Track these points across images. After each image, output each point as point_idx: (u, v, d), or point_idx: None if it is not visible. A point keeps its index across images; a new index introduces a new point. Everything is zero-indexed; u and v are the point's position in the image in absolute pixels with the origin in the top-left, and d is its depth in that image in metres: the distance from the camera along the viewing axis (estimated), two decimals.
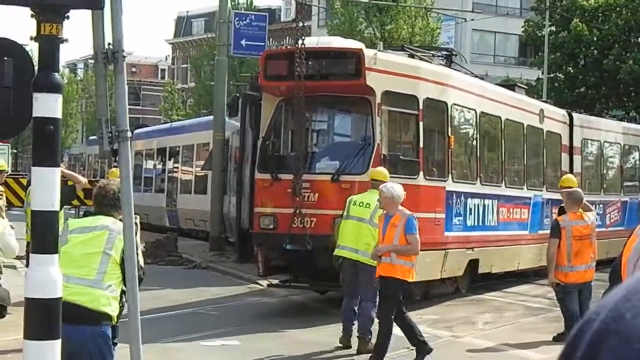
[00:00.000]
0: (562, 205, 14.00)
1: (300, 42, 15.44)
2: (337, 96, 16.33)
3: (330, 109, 17.31)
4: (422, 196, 16.26)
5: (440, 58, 20.06)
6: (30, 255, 5.29)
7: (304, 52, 15.33)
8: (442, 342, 13.66)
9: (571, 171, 23.63)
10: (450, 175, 17.27)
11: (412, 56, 17.82)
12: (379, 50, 16.65)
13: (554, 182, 22.80)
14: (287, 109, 16.24)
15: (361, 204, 12.70)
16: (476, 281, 19.41)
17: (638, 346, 1.03)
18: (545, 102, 26.39)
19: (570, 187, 14.41)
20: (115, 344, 6.57)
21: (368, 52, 15.82)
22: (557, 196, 22.35)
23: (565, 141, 23.66)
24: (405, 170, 15.95)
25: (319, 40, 17.09)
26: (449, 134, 17.40)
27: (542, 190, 21.98)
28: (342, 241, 12.74)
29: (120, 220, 6.73)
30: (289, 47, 16.98)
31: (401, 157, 15.99)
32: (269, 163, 16.13)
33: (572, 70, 42.79)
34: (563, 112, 24.51)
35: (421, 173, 16.23)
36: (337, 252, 12.82)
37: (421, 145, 16.38)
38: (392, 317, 11.35)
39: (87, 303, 6.45)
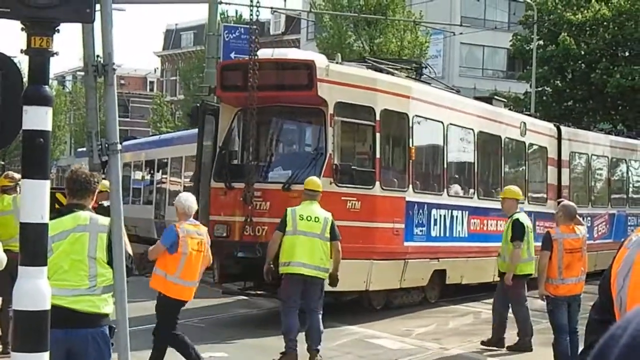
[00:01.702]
0: (517, 219, 14.04)
1: (253, 52, 15.63)
2: (291, 107, 16.56)
3: (284, 119, 17.53)
4: (378, 206, 16.38)
5: (409, 70, 20.14)
6: (19, 267, 5.29)
7: (258, 63, 15.49)
8: (431, 354, 13.71)
9: (559, 184, 23.74)
10: (411, 186, 17.31)
11: (379, 70, 17.88)
12: (336, 62, 16.75)
13: (537, 195, 22.86)
14: (244, 119, 16.34)
15: (309, 219, 12.30)
16: (461, 292, 19.46)
17: None
18: (531, 115, 26.47)
19: (505, 198, 14.64)
20: (112, 344, 6.60)
21: (320, 64, 15.94)
22: (540, 209, 22.47)
23: (552, 154, 23.72)
24: (359, 181, 16.08)
25: (274, 51, 17.20)
26: (410, 145, 17.47)
27: (522, 203, 22.01)
28: (294, 257, 12.23)
29: (91, 209, 6.80)
30: (244, 58, 17.12)
31: (353, 167, 16.09)
32: (224, 172, 16.26)
33: (560, 84, 42.96)
34: (550, 125, 24.58)
35: (377, 183, 16.32)
36: (290, 269, 12.29)
37: (378, 155, 16.45)
38: (167, 333, 10.73)
39: (87, 309, 6.55)
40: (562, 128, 24.79)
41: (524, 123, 22.69)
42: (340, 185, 15.56)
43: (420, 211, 17.58)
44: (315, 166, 15.67)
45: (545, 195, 23.37)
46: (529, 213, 21.71)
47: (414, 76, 19.63)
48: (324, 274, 12.34)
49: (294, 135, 18.11)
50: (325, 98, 15.68)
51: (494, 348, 14.10)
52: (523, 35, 45.01)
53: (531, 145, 22.80)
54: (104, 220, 6.72)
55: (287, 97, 16.11)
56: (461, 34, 41.36)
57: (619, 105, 42.21)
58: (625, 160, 28.53)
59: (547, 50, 42.08)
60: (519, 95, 43.88)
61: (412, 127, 17.59)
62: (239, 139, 16.94)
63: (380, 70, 17.86)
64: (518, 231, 13.90)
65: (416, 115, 17.75)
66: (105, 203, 8.69)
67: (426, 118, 18.38)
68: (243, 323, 16.46)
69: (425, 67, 21.18)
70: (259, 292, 16.86)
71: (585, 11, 41.47)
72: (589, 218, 25.11)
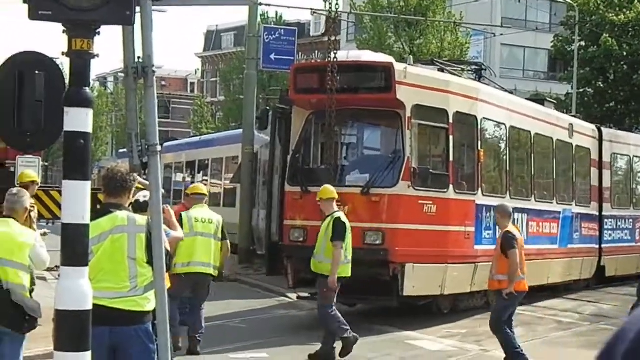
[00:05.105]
0: (338, 217, 12.87)
1: (332, 55, 15.53)
2: (367, 109, 16.42)
3: (360, 123, 17.36)
4: (452, 210, 16.30)
5: (469, 72, 20.07)
6: (61, 267, 5.33)
7: (336, 66, 15.41)
8: (470, 356, 13.65)
9: (601, 186, 23.56)
10: (480, 189, 17.25)
11: (442, 70, 17.84)
12: (408, 64, 16.69)
13: (583, 196, 22.70)
14: (317, 122, 16.31)
15: (204, 220, 12.86)
16: None
17: None
18: (575, 117, 26.30)
19: (322, 199, 13.19)
20: (155, 340, 6.60)
21: (398, 66, 15.90)
22: (587, 210, 22.37)
23: (594, 156, 23.57)
24: (435, 184, 15.99)
25: (348, 53, 17.15)
26: (479, 148, 17.42)
27: (571, 205, 21.87)
28: (194, 257, 12.66)
29: (128, 209, 6.83)
30: (319, 60, 17.08)
31: (431, 170, 16.01)
32: (299, 176, 16.17)
33: (601, 85, 42.57)
34: (592, 126, 24.44)
35: (451, 187, 16.25)
36: (191, 269, 12.63)
37: (451, 159, 16.39)
38: None
39: (130, 308, 6.61)
40: (603, 129, 24.65)
41: (572, 125, 22.56)
42: (417, 189, 15.50)
43: (488, 214, 17.49)
44: (393, 169, 15.66)
45: (589, 197, 23.22)
46: (576, 215, 21.63)
47: (474, 78, 19.57)
48: (215, 271, 12.95)
49: (370, 138, 17.95)
50: (403, 100, 15.62)
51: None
52: (564, 36, 44.65)
53: (577, 147, 22.65)
54: (142, 220, 6.74)
55: (364, 100, 16.04)
56: (502, 35, 41.21)
57: None
58: None
59: (588, 52, 41.71)
60: (560, 96, 43.54)
61: (480, 130, 17.57)
62: (313, 143, 16.87)
63: (442, 71, 17.81)
64: (340, 231, 12.78)
65: (484, 118, 17.74)
66: (141, 198, 8.67)
67: (492, 120, 18.40)
68: (284, 324, 16.47)
69: (485, 69, 21.11)
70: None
71: (628, 12, 41.05)
72: (630, 220, 24.92)
